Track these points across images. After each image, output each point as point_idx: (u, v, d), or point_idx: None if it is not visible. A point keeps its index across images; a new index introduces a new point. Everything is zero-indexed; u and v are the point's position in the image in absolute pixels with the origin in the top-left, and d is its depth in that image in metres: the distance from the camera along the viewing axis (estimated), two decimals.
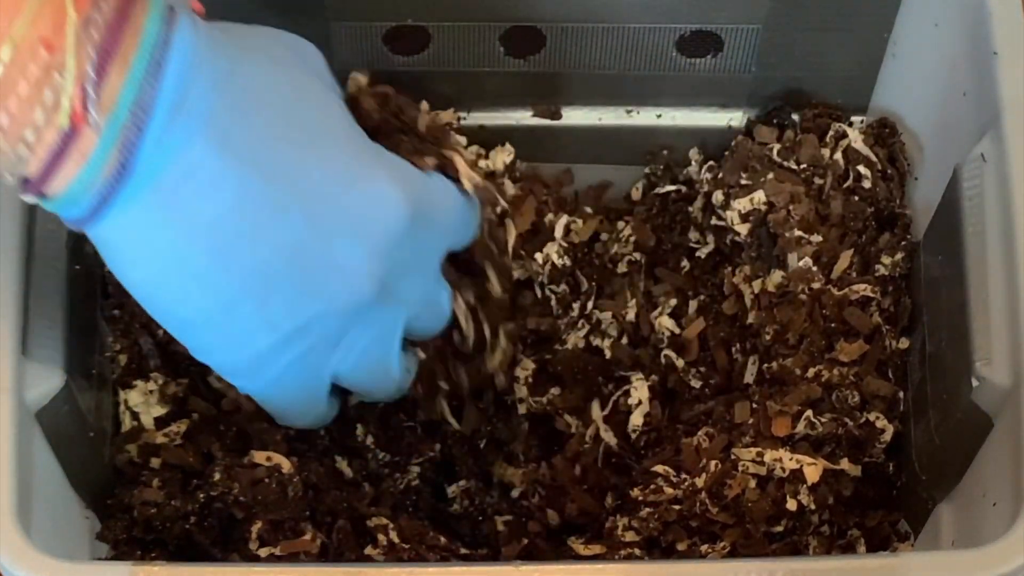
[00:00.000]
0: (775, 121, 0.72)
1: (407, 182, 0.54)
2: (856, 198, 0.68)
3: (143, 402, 0.64)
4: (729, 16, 0.68)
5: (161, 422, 0.64)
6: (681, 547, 0.61)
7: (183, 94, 0.47)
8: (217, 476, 0.60)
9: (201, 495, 0.60)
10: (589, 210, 0.75)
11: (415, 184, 0.55)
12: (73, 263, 0.59)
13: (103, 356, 0.63)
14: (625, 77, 0.71)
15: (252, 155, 0.49)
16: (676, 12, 0.68)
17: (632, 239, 0.72)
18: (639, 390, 0.68)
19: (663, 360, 0.69)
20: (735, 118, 0.73)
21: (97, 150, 0.46)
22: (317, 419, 0.61)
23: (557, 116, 0.73)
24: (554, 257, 0.70)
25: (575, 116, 0.73)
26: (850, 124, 0.71)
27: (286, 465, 0.60)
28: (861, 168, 0.68)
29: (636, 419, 0.67)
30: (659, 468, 0.64)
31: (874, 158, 0.69)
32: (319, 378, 0.56)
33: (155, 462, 0.62)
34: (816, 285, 0.65)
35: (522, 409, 0.69)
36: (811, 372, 0.64)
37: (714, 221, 0.70)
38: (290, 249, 0.50)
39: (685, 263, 0.72)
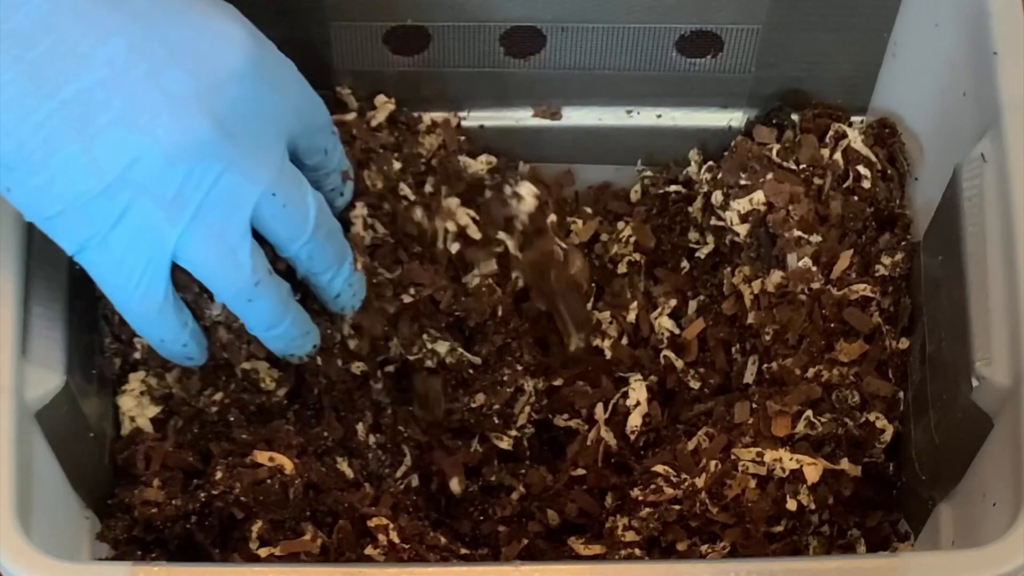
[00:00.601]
0: (774, 121, 0.72)
1: (254, 30, 0.51)
2: (856, 198, 0.68)
3: (136, 404, 0.64)
4: (729, 16, 0.68)
5: (158, 423, 0.64)
6: (681, 547, 0.61)
7: None
8: (219, 475, 0.60)
9: (202, 495, 0.60)
10: (589, 210, 0.75)
11: (263, 38, 0.52)
12: (73, 263, 0.59)
13: (103, 356, 0.63)
14: (625, 77, 0.71)
15: None
16: (676, 12, 0.68)
17: (632, 240, 0.72)
18: (637, 391, 0.68)
19: (663, 361, 0.69)
20: (735, 118, 0.73)
21: None
22: (172, 337, 0.57)
23: (557, 116, 0.73)
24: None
25: (575, 116, 0.74)
26: (850, 124, 0.71)
27: (288, 466, 0.60)
28: (861, 168, 0.68)
29: (635, 419, 0.67)
30: (659, 468, 0.64)
31: (874, 158, 0.69)
32: (156, 251, 0.51)
33: (155, 462, 0.62)
34: (816, 285, 0.65)
35: (523, 413, 0.69)
36: (811, 372, 0.64)
37: (714, 221, 0.70)
38: (112, 77, 0.47)
39: (685, 263, 0.72)
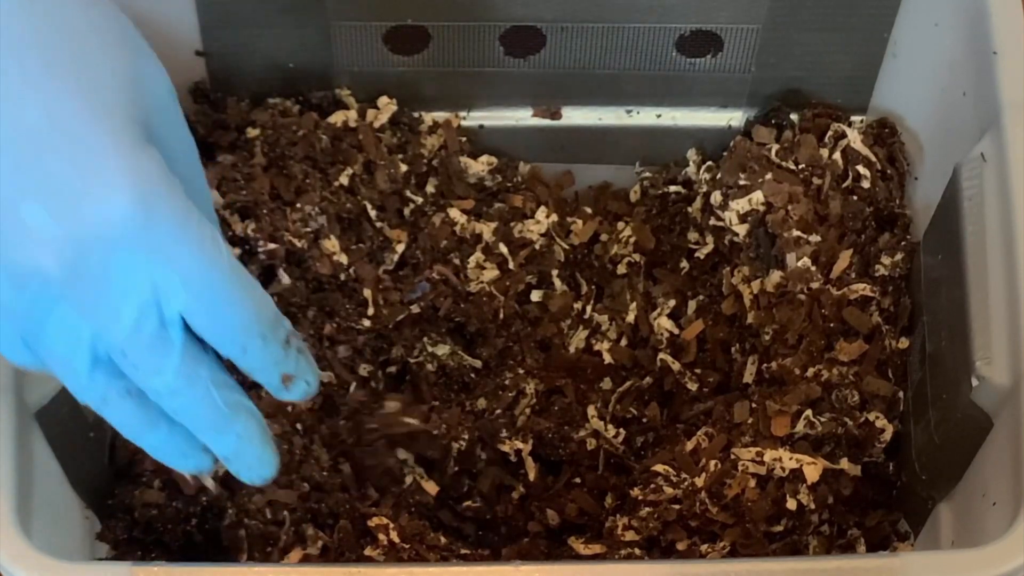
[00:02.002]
0: (773, 121, 0.72)
1: (153, 191, 0.45)
2: (855, 198, 0.68)
3: None
4: (729, 16, 0.68)
5: None
6: (681, 547, 0.61)
7: None
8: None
9: (204, 498, 0.60)
10: (588, 210, 0.75)
11: (159, 188, 0.45)
12: None
13: None
14: (625, 77, 0.71)
15: None
16: (676, 12, 0.68)
17: (632, 240, 0.73)
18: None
19: (661, 361, 0.69)
20: (735, 118, 0.73)
21: None
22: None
23: (557, 116, 0.73)
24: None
25: (575, 116, 0.74)
26: (849, 124, 0.71)
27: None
28: (860, 168, 0.68)
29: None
30: (659, 468, 0.64)
31: (873, 158, 0.69)
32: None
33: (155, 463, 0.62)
34: (815, 285, 0.65)
35: (523, 415, 0.69)
36: (810, 372, 0.64)
37: (713, 221, 0.70)
38: None
39: (684, 264, 0.72)
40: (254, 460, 0.49)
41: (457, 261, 0.69)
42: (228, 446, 0.48)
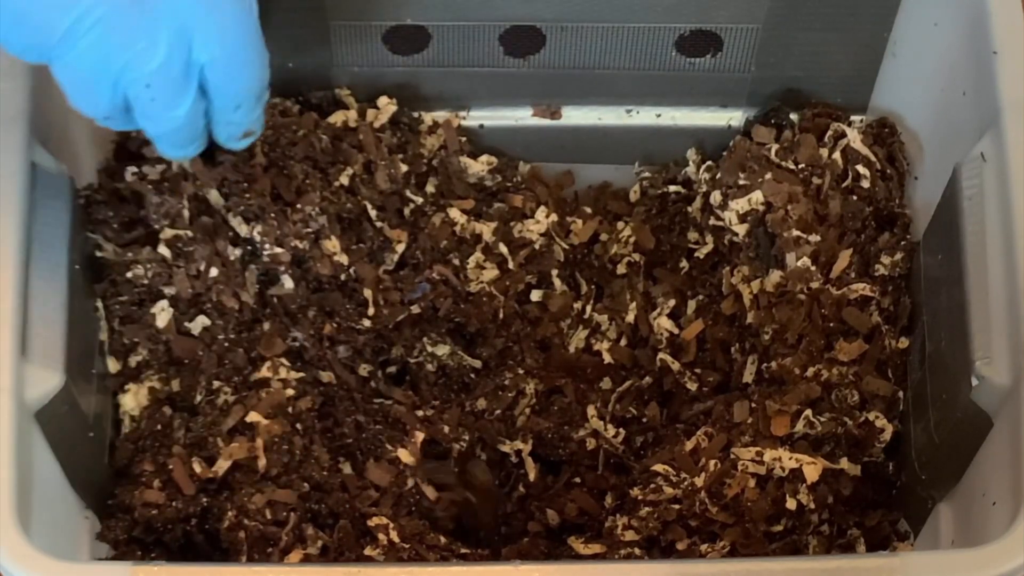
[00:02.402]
0: (773, 121, 0.72)
1: None
2: (855, 198, 0.68)
3: (136, 406, 0.64)
4: (728, 16, 0.68)
5: (160, 424, 0.64)
6: (681, 546, 0.61)
7: None
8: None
9: (204, 499, 0.60)
10: (588, 210, 0.75)
11: None
12: (73, 263, 0.59)
13: (102, 356, 0.63)
14: (625, 77, 0.71)
15: None
16: (676, 12, 0.68)
17: (631, 240, 0.73)
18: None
19: (661, 361, 0.69)
20: (735, 117, 0.73)
21: None
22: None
23: (557, 116, 0.73)
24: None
25: (575, 116, 0.74)
26: (849, 124, 0.71)
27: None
28: (860, 168, 0.68)
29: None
30: (659, 468, 0.64)
31: (873, 158, 0.69)
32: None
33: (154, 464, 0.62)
34: (815, 285, 0.65)
35: (523, 415, 0.69)
36: (810, 372, 0.64)
37: (713, 221, 0.70)
38: None
39: (684, 263, 0.72)
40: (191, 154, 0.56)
41: (457, 261, 0.69)
42: (182, 153, 0.56)
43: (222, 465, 0.61)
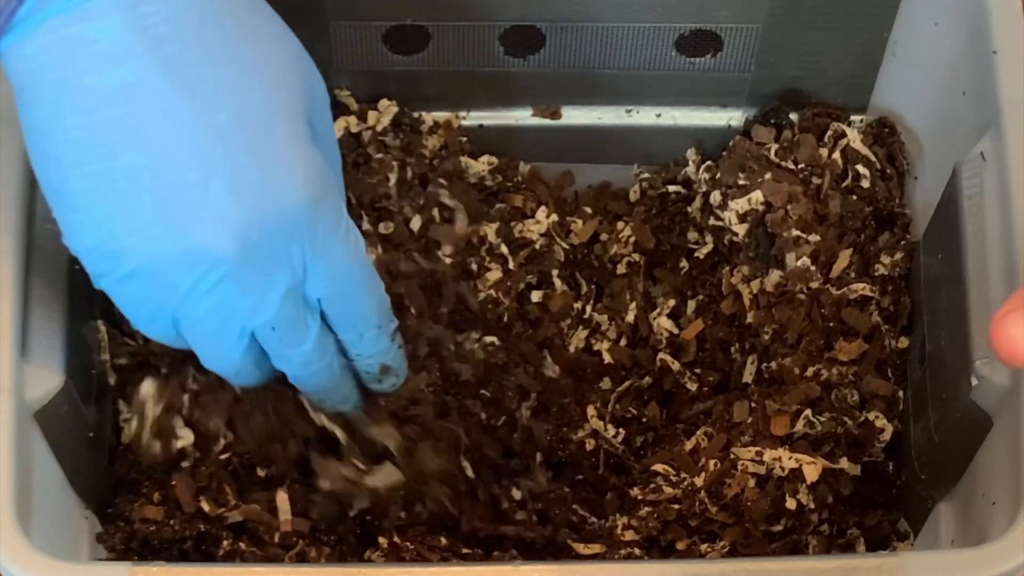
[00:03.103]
0: (772, 121, 0.72)
1: (321, 186, 0.51)
2: (854, 197, 0.68)
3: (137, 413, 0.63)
4: (729, 15, 0.68)
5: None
6: (680, 546, 0.61)
7: None
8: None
9: (201, 525, 0.60)
10: (588, 210, 0.75)
11: (326, 187, 0.52)
12: (73, 263, 0.59)
13: (102, 357, 0.63)
14: (624, 76, 0.71)
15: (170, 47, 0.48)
16: (676, 12, 0.68)
17: (631, 240, 0.73)
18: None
19: (661, 361, 0.69)
20: (735, 117, 0.73)
21: None
22: (241, 375, 0.57)
23: (557, 116, 0.73)
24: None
25: (575, 116, 0.74)
26: (849, 123, 0.71)
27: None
28: (860, 168, 0.68)
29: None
30: (659, 467, 0.64)
31: (873, 157, 0.69)
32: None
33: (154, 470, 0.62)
34: (814, 285, 0.65)
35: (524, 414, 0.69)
36: (810, 371, 0.64)
37: (712, 221, 0.70)
38: (152, 166, 0.49)
39: (684, 263, 0.72)
40: (347, 405, 0.59)
41: (474, 267, 0.69)
42: (335, 400, 0.58)
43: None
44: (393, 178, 0.68)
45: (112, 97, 0.48)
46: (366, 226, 0.68)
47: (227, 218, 0.49)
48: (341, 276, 0.53)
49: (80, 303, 0.60)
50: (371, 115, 0.71)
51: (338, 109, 0.71)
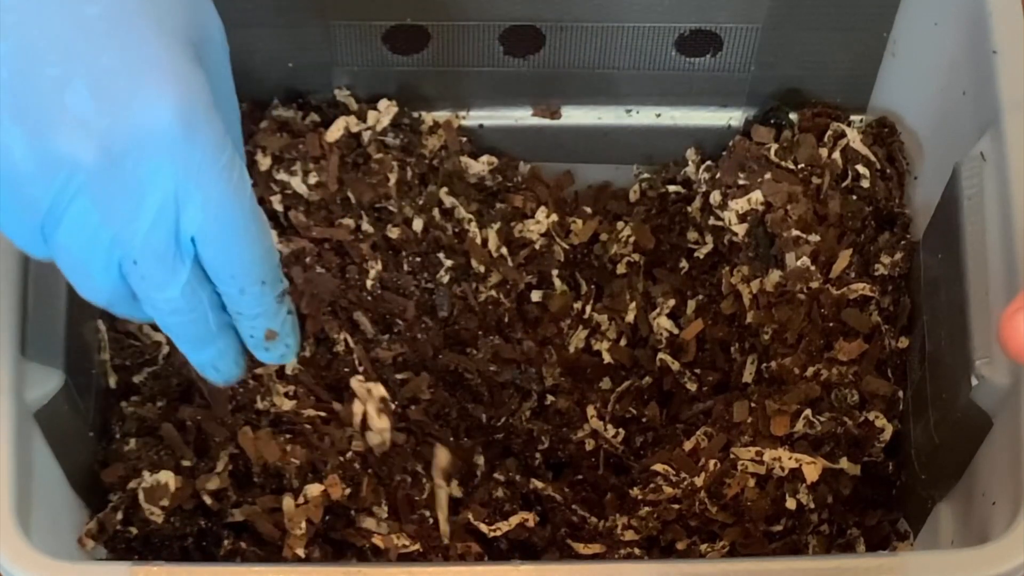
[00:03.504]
0: (772, 121, 0.72)
1: (199, 108, 0.46)
2: (854, 197, 0.68)
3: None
4: (728, 15, 0.68)
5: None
6: (680, 546, 0.61)
7: None
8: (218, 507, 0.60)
9: (201, 521, 0.60)
10: (588, 210, 0.75)
11: (200, 105, 0.46)
12: None
13: (102, 357, 0.63)
14: (624, 76, 0.71)
15: None
16: (676, 12, 0.68)
17: (631, 240, 0.73)
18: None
19: (661, 361, 0.69)
20: (734, 117, 0.73)
21: None
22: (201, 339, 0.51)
23: (557, 116, 0.73)
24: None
25: (575, 116, 0.74)
26: (849, 123, 0.71)
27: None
28: (860, 167, 0.68)
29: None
30: (659, 467, 0.64)
31: (873, 157, 0.69)
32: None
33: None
34: (814, 284, 0.65)
35: (525, 414, 0.69)
36: (810, 371, 0.64)
37: (712, 221, 0.70)
38: (10, 57, 0.44)
39: (683, 263, 0.72)
40: (226, 370, 0.52)
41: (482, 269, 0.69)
42: (205, 357, 0.52)
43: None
44: (393, 178, 0.68)
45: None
46: (366, 226, 0.68)
47: (87, 123, 0.44)
48: (217, 213, 0.47)
49: (80, 303, 0.60)
50: (371, 115, 0.71)
51: (338, 109, 0.71)
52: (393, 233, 0.68)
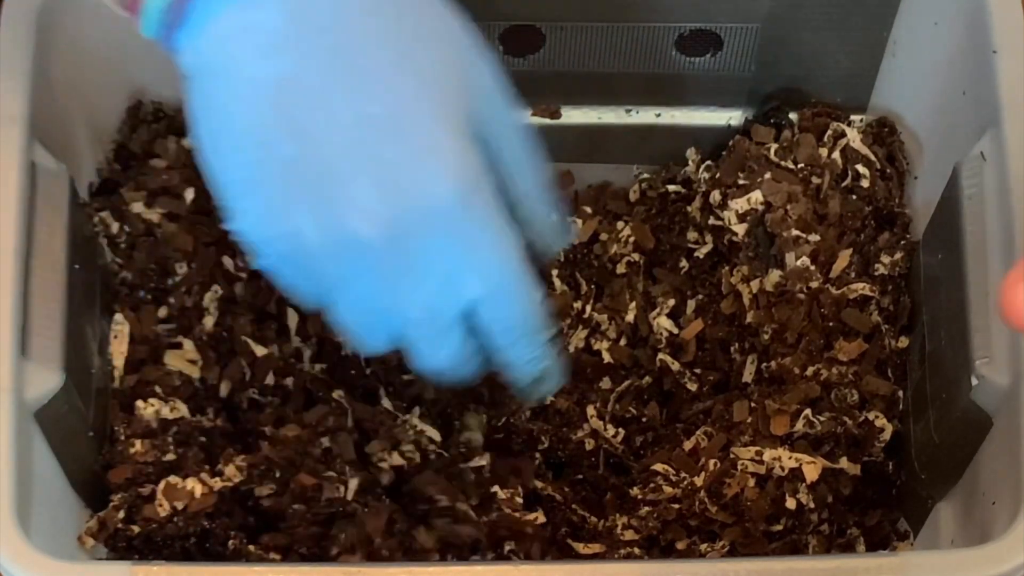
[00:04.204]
0: (772, 121, 0.72)
1: (472, 180, 0.50)
2: (854, 197, 0.68)
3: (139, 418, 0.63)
4: (728, 15, 0.68)
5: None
6: (680, 546, 0.61)
7: None
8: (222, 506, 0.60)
9: (205, 522, 0.60)
10: (588, 210, 0.75)
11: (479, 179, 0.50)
12: (73, 263, 0.59)
13: (103, 356, 0.63)
14: (624, 76, 0.71)
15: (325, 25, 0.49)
16: (676, 11, 0.68)
17: (631, 239, 0.72)
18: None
19: (661, 361, 0.69)
20: (734, 117, 0.73)
21: None
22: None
23: (557, 116, 0.73)
24: None
25: (575, 115, 0.73)
26: (849, 123, 0.71)
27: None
28: (860, 167, 0.68)
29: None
30: (658, 467, 0.64)
31: (873, 157, 0.69)
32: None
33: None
34: (814, 284, 0.65)
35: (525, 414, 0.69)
36: (810, 371, 0.64)
37: (712, 221, 0.70)
38: (304, 158, 0.49)
39: (683, 263, 0.72)
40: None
41: None
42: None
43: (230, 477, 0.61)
44: None
45: (270, 87, 0.48)
46: None
47: (372, 211, 0.48)
48: (495, 279, 0.51)
49: (80, 303, 0.60)
50: None
51: None
52: None
